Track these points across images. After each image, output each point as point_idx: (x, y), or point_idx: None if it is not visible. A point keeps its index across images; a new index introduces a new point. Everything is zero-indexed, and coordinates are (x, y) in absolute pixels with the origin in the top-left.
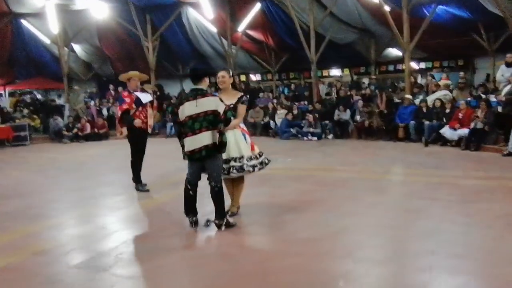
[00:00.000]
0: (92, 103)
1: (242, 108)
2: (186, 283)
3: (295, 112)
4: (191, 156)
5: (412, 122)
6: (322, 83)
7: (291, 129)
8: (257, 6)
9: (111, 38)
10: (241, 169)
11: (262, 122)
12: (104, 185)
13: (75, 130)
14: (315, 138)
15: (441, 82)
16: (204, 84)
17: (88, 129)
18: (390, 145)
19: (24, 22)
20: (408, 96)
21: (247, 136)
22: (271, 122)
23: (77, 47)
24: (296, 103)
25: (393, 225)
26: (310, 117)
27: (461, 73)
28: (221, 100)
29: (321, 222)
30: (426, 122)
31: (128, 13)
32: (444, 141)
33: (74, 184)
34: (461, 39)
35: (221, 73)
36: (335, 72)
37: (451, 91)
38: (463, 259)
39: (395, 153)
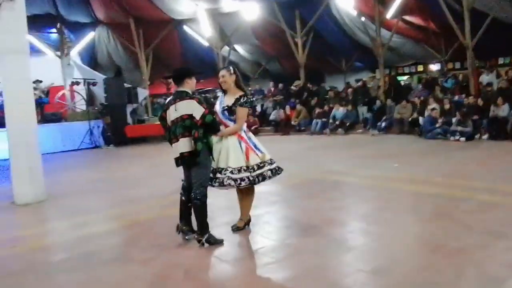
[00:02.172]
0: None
1: (241, 111)
2: None
3: (447, 106)
4: (176, 164)
5: None
6: (489, 71)
7: (437, 127)
8: None
9: (267, 36)
10: (221, 183)
11: (410, 119)
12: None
13: None
14: (463, 138)
15: None
16: (187, 86)
17: None
18: None
19: (185, 27)
20: None
21: (243, 143)
22: (420, 118)
23: (239, 47)
24: (455, 97)
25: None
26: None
27: None
28: (200, 103)
29: (317, 254)
30: None
31: (278, 9)
32: None
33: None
34: None
35: (220, 73)
36: None
37: None
38: None
39: None
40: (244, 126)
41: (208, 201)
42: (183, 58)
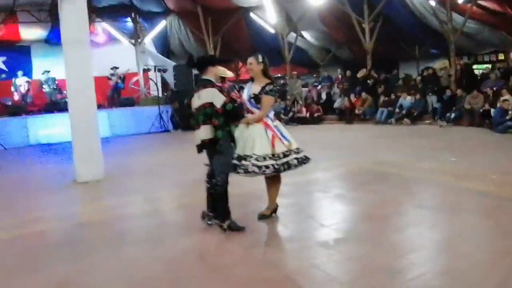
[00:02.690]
0: (319, 87)
1: (266, 100)
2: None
3: None
4: (198, 150)
5: None
6: None
7: (508, 120)
8: None
9: (335, 22)
10: (246, 170)
11: (481, 110)
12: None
13: (290, 114)
14: None
15: None
16: (210, 74)
17: (304, 113)
18: None
19: (252, 14)
20: None
21: (269, 131)
22: (492, 110)
23: (307, 34)
24: None
25: None
26: None
27: None
28: (222, 92)
29: (333, 248)
30: None
31: None
32: None
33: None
34: None
35: (248, 60)
36: None
37: None
38: None
39: None
40: (271, 114)
41: (248, 189)
42: (251, 45)
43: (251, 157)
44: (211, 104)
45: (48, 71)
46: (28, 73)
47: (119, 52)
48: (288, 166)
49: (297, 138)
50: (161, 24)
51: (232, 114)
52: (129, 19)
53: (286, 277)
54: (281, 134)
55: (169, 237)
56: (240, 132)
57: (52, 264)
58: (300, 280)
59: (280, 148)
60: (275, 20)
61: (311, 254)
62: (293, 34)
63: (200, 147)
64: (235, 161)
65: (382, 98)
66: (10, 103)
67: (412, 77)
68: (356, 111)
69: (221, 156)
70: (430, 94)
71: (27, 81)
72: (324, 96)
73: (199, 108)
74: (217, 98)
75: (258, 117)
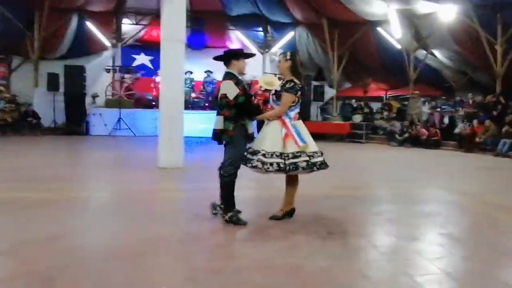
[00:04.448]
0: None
1: (285, 97)
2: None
3: None
4: (218, 142)
5: None
6: None
7: None
8: None
9: (468, 42)
10: (252, 164)
11: None
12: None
13: (406, 135)
14: None
15: None
16: (233, 68)
17: (424, 135)
18: None
19: (379, 29)
20: None
21: (284, 129)
22: None
23: (438, 53)
24: None
25: None
26: None
27: None
28: (237, 85)
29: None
30: None
31: (476, 12)
32: None
33: None
34: None
35: (278, 57)
36: None
37: None
38: None
39: None
40: (292, 113)
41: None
42: (379, 61)
43: (260, 152)
44: (225, 96)
45: (191, 72)
46: None
47: (249, 60)
48: (295, 168)
49: (393, 158)
50: (290, 35)
51: (244, 108)
52: (259, 28)
53: (221, 274)
54: (298, 134)
55: (176, 221)
56: (262, 128)
57: (60, 222)
58: (237, 277)
59: (291, 148)
60: (400, 35)
61: (282, 256)
62: (423, 52)
63: (213, 137)
64: (248, 155)
65: (506, 128)
66: (150, 98)
67: None
68: (477, 139)
69: (232, 148)
70: None
71: None
72: (446, 120)
73: (218, 100)
74: (231, 90)
75: (275, 114)
